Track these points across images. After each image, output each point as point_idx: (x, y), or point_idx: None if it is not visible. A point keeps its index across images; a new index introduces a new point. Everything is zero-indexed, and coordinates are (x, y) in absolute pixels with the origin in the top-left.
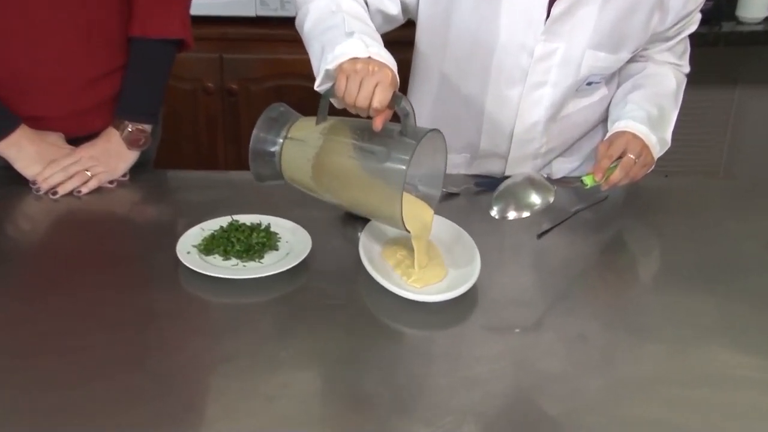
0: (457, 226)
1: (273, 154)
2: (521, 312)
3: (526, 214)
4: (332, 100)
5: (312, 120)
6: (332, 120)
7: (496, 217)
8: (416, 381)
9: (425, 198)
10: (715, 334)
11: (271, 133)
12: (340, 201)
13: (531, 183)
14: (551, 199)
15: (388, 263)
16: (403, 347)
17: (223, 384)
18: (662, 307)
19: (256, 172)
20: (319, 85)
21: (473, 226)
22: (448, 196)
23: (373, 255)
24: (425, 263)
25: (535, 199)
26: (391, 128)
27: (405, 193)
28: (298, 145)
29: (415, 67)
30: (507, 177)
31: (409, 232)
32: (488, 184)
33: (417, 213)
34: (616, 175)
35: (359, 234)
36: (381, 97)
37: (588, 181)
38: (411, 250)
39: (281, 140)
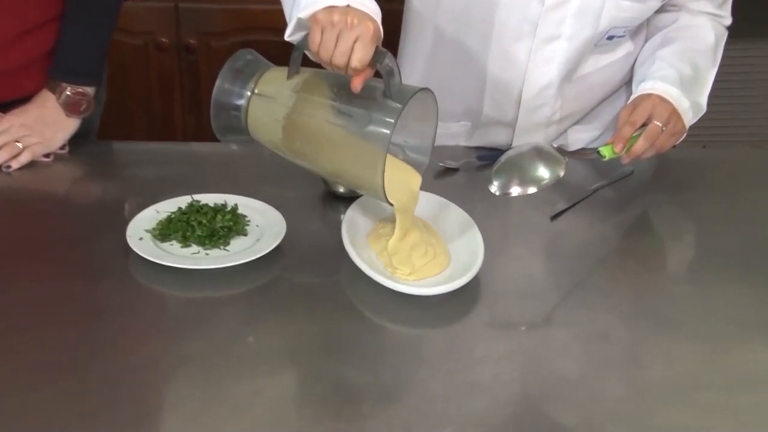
0: (456, 207)
1: (238, 108)
2: (531, 306)
3: (531, 189)
4: (307, 53)
5: (284, 71)
6: (306, 73)
7: (497, 193)
8: (408, 386)
9: (412, 163)
10: (756, 330)
11: (237, 84)
12: (315, 168)
13: (538, 154)
14: (561, 173)
15: (375, 250)
16: (393, 347)
17: (183, 390)
18: (695, 300)
19: (218, 127)
20: (289, 35)
21: (475, 206)
22: (446, 171)
23: (358, 240)
24: (401, 237)
25: (543, 172)
26: (373, 86)
27: (389, 156)
28: (267, 103)
29: (407, 23)
30: (509, 148)
31: (391, 204)
32: (492, 158)
33: (402, 180)
34: (640, 146)
35: (342, 216)
36: (360, 55)
37: (606, 152)
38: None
39: (248, 93)
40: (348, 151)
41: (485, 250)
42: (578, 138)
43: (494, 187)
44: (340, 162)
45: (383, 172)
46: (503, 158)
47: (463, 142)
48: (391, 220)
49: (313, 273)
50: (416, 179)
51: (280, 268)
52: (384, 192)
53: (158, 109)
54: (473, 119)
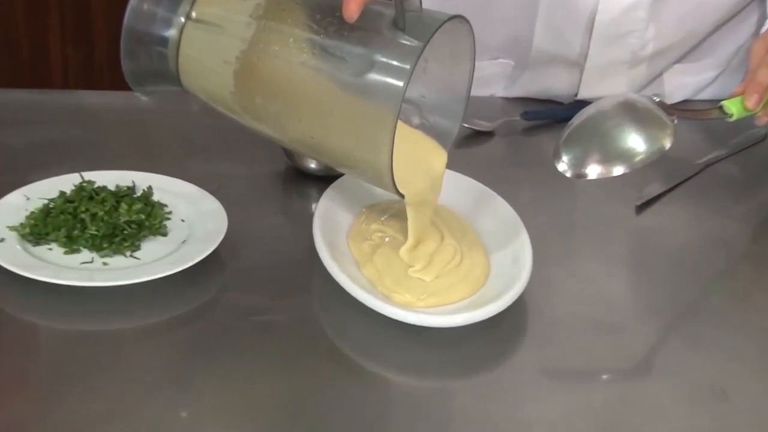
0: (491, 192)
1: (164, 42)
2: (607, 343)
3: (620, 169)
4: None
5: None
6: None
7: (568, 174)
8: None
9: (434, 134)
10: None
11: (162, 5)
12: (280, 136)
13: (629, 112)
14: (667, 144)
15: (357, 259)
16: (391, 406)
17: None
18: None
19: (131, 70)
20: None
21: (519, 191)
22: (474, 137)
23: (338, 243)
24: (415, 243)
25: (640, 142)
26: (378, 12)
27: (400, 123)
28: (211, 34)
29: None
30: (582, 103)
31: (402, 196)
32: (545, 116)
33: (418, 159)
34: None
35: (313, 207)
36: None
37: (733, 107)
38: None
39: (181, 19)
40: (335, 113)
41: (535, 258)
42: (680, 84)
43: (563, 164)
44: (322, 129)
45: (391, 147)
46: (576, 121)
47: (501, 92)
48: (390, 211)
49: (270, 294)
50: (439, 158)
51: (218, 287)
52: (391, 178)
53: (25, 41)
54: (518, 55)
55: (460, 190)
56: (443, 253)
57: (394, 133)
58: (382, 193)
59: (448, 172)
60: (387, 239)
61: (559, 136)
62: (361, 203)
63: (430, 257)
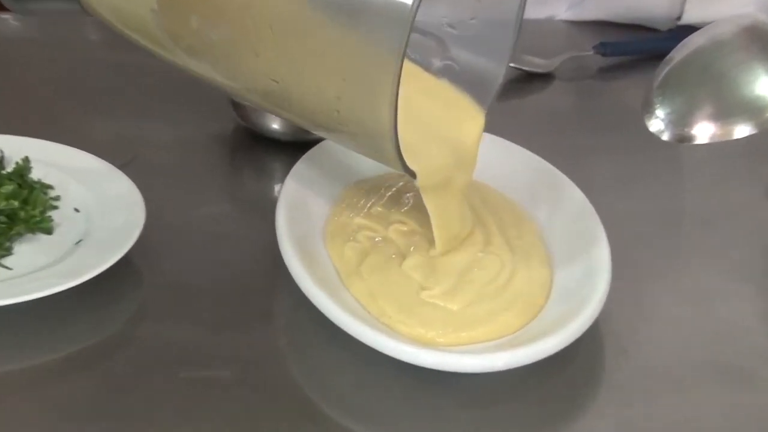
0: (548, 167)
1: None
2: (725, 396)
3: (745, 129)
4: None
5: None
6: None
7: (665, 136)
8: None
9: (466, 83)
10: None
11: None
12: (230, 81)
13: (760, 43)
14: None
15: (336, 265)
16: None
17: None
18: None
19: None
20: None
21: (593, 164)
22: (527, 81)
23: (314, 242)
24: (443, 248)
25: None
26: None
27: (414, 69)
28: None
29: None
30: (687, 30)
31: (413, 176)
32: (634, 49)
33: (440, 121)
34: None
35: (277, 189)
36: None
37: None
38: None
39: None
40: (311, 44)
41: (616, 268)
42: None
43: (658, 122)
44: (291, 67)
45: (394, 95)
46: (678, 55)
47: (564, 13)
48: (383, 191)
49: (210, 325)
50: (473, 120)
51: (129, 314)
52: (395, 144)
53: None
54: None
55: (502, 164)
56: (484, 268)
57: (400, 75)
58: (376, 166)
59: (487, 137)
60: (378, 241)
61: (652, 79)
62: (347, 181)
63: (457, 275)
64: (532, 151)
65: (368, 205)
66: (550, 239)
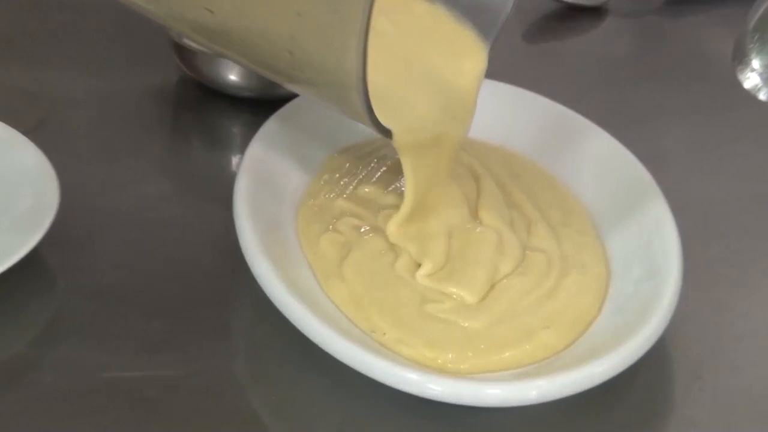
0: (602, 133)
1: None
2: None
3: None
4: None
5: None
6: None
7: (764, 95)
8: None
9: (466, 7)
10: None
11: None
12: (158, 9)
13: None
14: None
15: (319, 258)
16: None
17: None
18: None
19: None
20: None
21: (660, 129)
22: (570, 17)
23: (285, 231)
24: (408, 213)
25: None
26: None
27: None
28: None
29: None
30: None
31: (386, 134)
32: None
33: (427, 61)
34: None
35: (235, 162)
36: None
37: None
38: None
39: None
40: None
41: (692, 268)
42: None
43: (753, 77)
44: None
45: (363, 34)
46: None
47: None
48: (376, 160)
49: (145, 343)
50: (473, 58)
51: (40, 328)
52: (363, 91)
53: None
54: None
55: (536, 128)
56: (525, 271)
57: (371, 5)
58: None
59: (514, 91)
60: (365, 231)
61: (746, 17)
62: (327, 149)
63: (486, 282)
64: (577, 110)
65: (354, 183)
66: (601, 227)
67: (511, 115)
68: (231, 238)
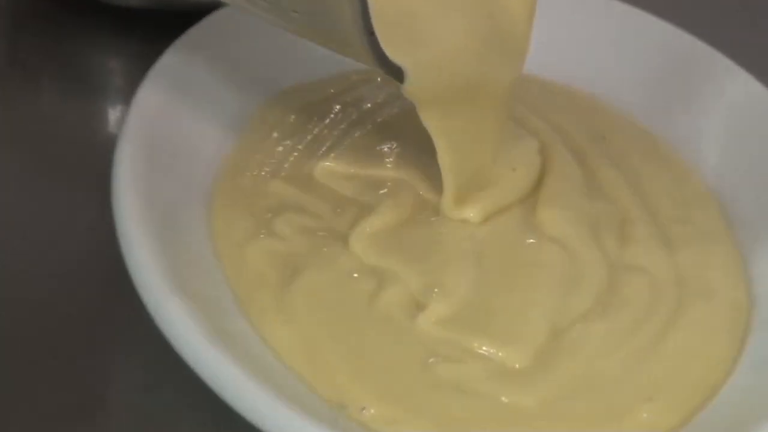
0: (742, 75)
1: None
2: None
3: None
4: None
5: None
6: None
7: None
8: None
9: None
10: None
11: None
12: None
13: None
14: None
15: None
16: None
17: None
18: None
19: None
20: None
21: None
22: None
23: (189, 230)
24: (455, 197)
25: None
26: None
27: None
28: None
29: None
30: None
31: (399, 78)
32: None
33: None
34: None
35: (112, 113)
36: None
37: None
38: None
39: None
40: None
41: None
42: None
43: None
44: None
45: None
46: None
47: None
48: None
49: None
50: None
51: None
52: (364, 15)
53: None
54: None
55: (633, 62)
56: (621, 302)
57: None
58: (323, 57)
59: (596, 2)
60: (321, 237)
61: None
62: (262, 93)
63: (544, 319)
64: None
65: (303, 151)
66: (737, 225)
67: (592, 40)
68: (108, 241)
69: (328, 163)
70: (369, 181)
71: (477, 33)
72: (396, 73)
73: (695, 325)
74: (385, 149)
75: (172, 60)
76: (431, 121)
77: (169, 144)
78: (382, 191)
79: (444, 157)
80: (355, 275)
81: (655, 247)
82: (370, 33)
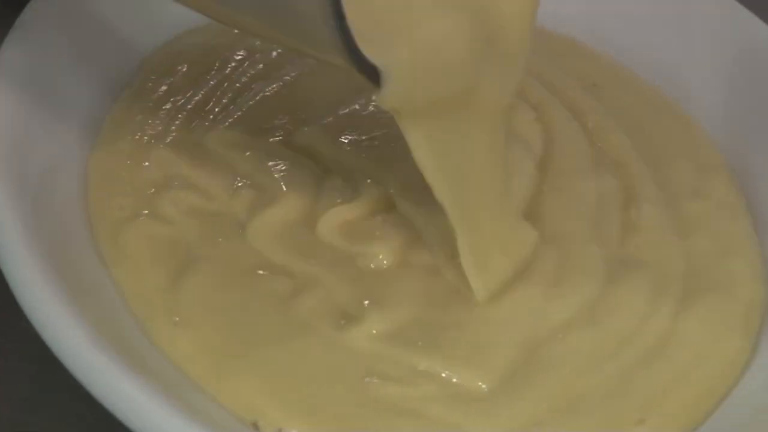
0: (752, 20)
1: None
2: None
3: None
4: None
5: None
6: None
7: None
8: None
9: None
10: None
11: None
12: None
13: None
14: None
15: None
16: None
17: None
18: None
19: None
20: None
21: None
22: None
23: (66, 214)
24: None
25: None
26: None
27: None
28: None
29: None
30: None
31: (374, 80)
32: None
33: None
34: None
35: None
36: None
37: None
38: None
39: None
40: None
41: None
42: None
43: None
44: None
45: None
46: None
47: None
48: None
49: None
50: None
51: None
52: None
53: None
54: None
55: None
56: (615, 307)
57: None
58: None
59: None
60: (215, 216)
61: None
62: (154, 37)
63: (515, 347)
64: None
65: (187, 108)
66: (754, 199)
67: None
68: None
69: (220, 131)
70: (267, 154)
71: (464, 30)
72: (371, 72)
73: (702, 328)
74: (289, 118)
75: (33, 16)
76: (415, 139)
77: (40, 106)
78: (280, 172)
79: (443, 195)
80: (261, 272)
81: (662, 232)
82: (340, 17)
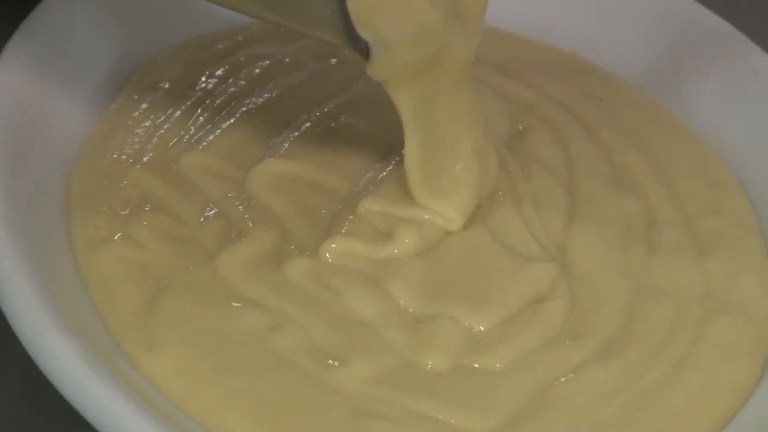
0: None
1: None
2: None
3: None
4: None
5: None
6: None
7: None
8: None
9: None
10: None
11: None
12: None
13: None
14: None
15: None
16: None
17: None
18: None
19: None
20: None
21: None
22: None
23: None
24: (420, 192)
25: None
26: None
27: None
28: None
29: None
30: None
31: (364, 53)
32: None
33: None
34: None
35: None
36: None
37: None
38: None
39: None
40: None
41: None
42: None
43: None
44: None
45: None
46: None
47: None
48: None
49: None
50: None
51: None
52: None
53: None
54: None
55: (635, 25)
56: (632, 339)
57: None
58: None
59: None
60: (186, 237)
61: None
62: (142, 50)
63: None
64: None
65: (165, 128)
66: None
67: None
68: None
69: (195, 153)
70: (240, 186)
71: (440, 7)
72: (361, 46)
73: (716, 351)
74: (269, 143)
75: (19, 36)
76: (401, 97)
77: (26, 118)
78: (250, 202)
79: (410, 139)
80: (235, 304)
81: (682, 255)
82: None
